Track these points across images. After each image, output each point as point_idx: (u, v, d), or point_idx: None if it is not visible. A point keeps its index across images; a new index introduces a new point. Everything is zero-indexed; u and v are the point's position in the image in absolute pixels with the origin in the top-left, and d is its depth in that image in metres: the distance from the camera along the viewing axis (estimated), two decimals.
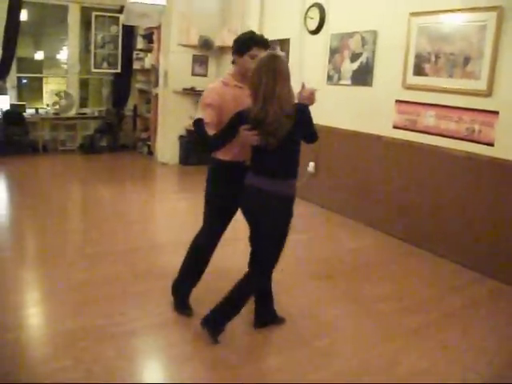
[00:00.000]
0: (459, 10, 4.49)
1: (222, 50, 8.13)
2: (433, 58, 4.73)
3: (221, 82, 3.19)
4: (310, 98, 2.98)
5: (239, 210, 3.11)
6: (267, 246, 3.00)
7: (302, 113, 2.88)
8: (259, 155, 2.94)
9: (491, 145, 4.31)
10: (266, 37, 3.20)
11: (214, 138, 2.96)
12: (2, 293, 3.60)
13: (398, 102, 5.12)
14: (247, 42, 3.09)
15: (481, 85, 4.34)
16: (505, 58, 4.19)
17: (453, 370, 2.93)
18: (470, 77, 4.42)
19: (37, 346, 2.99)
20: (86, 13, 9.30)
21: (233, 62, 3.19)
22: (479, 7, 4.32)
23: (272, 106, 2.74)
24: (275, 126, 2.76)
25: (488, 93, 4.30)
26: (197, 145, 3.20)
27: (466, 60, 4.44)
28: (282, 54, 3.01)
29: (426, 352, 3.11)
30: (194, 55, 8.18)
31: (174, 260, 3.57)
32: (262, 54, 2.94)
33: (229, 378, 2.73)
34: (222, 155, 3.13)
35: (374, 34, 5.35)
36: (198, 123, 3.02)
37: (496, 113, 4.27)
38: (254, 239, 3.15)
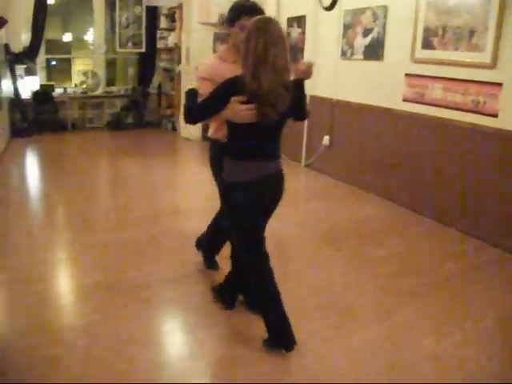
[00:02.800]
0: None
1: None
2: (440, 32, 4.83)
3: (217, 57, 3.01)
4: (308, 71, 2.70)
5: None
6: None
7: (300, 87, 2.65)
8: (250, 134, 2.57)
9: (495, 116, 4.43)
10: (259, 5, 2.91)
11: (198, 107, 2.59)
12: (34, 250, 4.04)
13: (408, 75, 5.24)
14: (236, 11, 2.86)
15: (485, 57, 4.43)
16: (508, 31, 4.27)
17: (438, 327, 3.15)
18: (475, 49, 4.52)
19: (62, 295, 3.41)
20: None
21: (228, 35, 2.98)
22: None
23: (265, 73, 2.41)
24: (273, 96, 2.44)
25: (492, 65, 4.39)
26: (183, 115, 2.73)
27: (471, 33, 4.54)
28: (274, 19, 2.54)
29: (413, 309, 3.33)
30: (214, 33, 8.37)
31: (188, 224, 3.94)
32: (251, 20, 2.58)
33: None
34: (221, 136, 2.94)
35: (385, 8, 5.45)
36: (190, 92, 2.68)
37: (500, 84, 4.36)
38: (262, 222, 2.83)
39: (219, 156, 2.93)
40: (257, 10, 2.81)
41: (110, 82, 10.36)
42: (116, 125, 9.64)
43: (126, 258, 3.94)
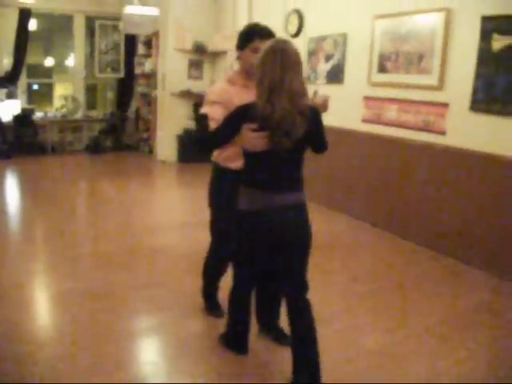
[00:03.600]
0: (413, 12, 4.96)
1: (216, 54, 8.68)
2: (393, 57, 5.20)
3: (227, 81, 2.94)
4: (324, 105, 2.73)
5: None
6: (304, 260, 2.63)
7: (317, 115, 2.51)
8: (264, 162, 2.47)
9: (443, 134, 4.77)
10: (270, 28, 2.87)
11: (211, 135, 2.57)
12: (11, 260, 4.30)
13: (365, 97, 5.60)
14: (248, 34, 2.83)
15: (433, 79, 4.80)
16: (453, 56, 4.65)
17: (388, 325, 3.41)
18: (424, 72, 4.89)
19: (39, 302, 3.64)
20: (90, 21, 9.91)
21: (237, 59, 2.94)
22: (430, 9, 4.79)
23: (280, 99, 2.31)
24: (288, 123, 2.33)
25: (439, 87, 4.76)
26: (194, 144, 2.80)
27: (420, 57, 4.91)
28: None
29: (364, 311, 3.60)
30: (189, 59, 8.72)
31: (160, 240, 4.23)
32: (265, 43, 2.52)
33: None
34: (227, 163, 2.91)
35: (344, 36, 5.83)
36: (201, 118, 2.68)
37: (446, 105, 4.72)
38: (282, 264, 2.63)
39: (216, 180, 3.06)
40: (269, 33, 2.81)
41: (90, 106, 10.65)
42: (95, 148, 9.87)
43: (99, 268, 4.19)
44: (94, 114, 10.41)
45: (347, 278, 4.18)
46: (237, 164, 2.77)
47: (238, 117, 2.44)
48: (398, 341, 3.20)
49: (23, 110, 9.24)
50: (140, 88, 10.32)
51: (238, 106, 2.47)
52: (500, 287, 4.10)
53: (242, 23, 7.60)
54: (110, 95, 10.90)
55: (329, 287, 3.95)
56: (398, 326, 3.39)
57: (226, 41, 8.17)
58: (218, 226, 3.18)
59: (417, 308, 3.67)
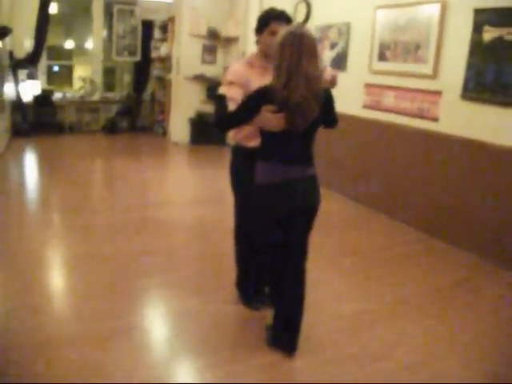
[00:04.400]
0: (412, 3, 5.18)
1: (229, 40, 8.95)
2: (392, 46, 5.44)
3: (245, 62, 3.04)
4: (333, 81, 2.85)
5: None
6: (309, 233, 2.85)
7: (329, 96, 2.70)
8: (280, 141, 2.63)
9: (436, 120, 5.01)
10: (285, 12, 2.99)
11: (230, 116, 2.66)
12: (32, 229, 4.67)
13: (366, 84, 5.85)
14: (265, 18, 2.93)
15: (428, 68, 5.03)
16: (447, 46, 4.88)
17: (366, 295, 3.71)
18: (420, 61, 5.12)
19: (49, 261, 4.00)
20: (108, 6, 10.22)
21: (256, 42, 3.04)
22: (427, 0, 5.01)
23: (297, 83, 2.45)
24: (303, 107, 2.48)
25: (434, 75, 4.99)
26: (214, 123, 2.78)
27: (417, 47, 5.14)
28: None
29: (345, 282, 3.90)
30: (203, 45, 9.00)
31: (168, 213, 4.97)
32: (282, 27, 2.73)
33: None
34: (245, 141, 3.00)
35: (348, 25, 6.07)
36: (220, 98, 2.75)
37: (440, 93, 4.96)
38: (294, 235, 2.80)
39: (239, 162, 3.08)
40: (285, 17, 2.93)
41: (108, 87, 10.99)
42: (111, 128, 10.22)
43: (109, 236, 4.61)
44: (111, 95, 10.75)
45: (335, 253, 4.48)
46: (253, 143, 2.89)
47: (258, 99, 2.54)
48: (373, 309, 3.50)
49: (43, 90, 9.61)
50: (156, 71, 10.63)
51: (258, 88, 2.58)
52: (480, 266, 4.37)
53: (253, 10, 7.87)
54: (127, 78, 11.24)
55: (317, 260, 4.18)
56: (375, 296, 3.69)
57: (239, 27, 8.44)
58: (243, 205, 3.15)
59: (396, 282, 3.96)
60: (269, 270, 2.91)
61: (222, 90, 2.82)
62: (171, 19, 9.17)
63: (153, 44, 10.45)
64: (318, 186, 2.80)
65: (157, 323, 3.20)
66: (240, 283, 3.40)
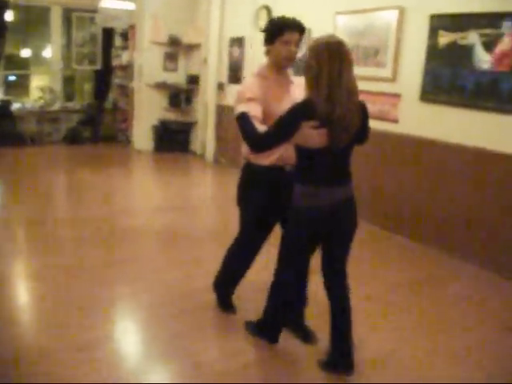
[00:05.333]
0: (371, 9, 5.35)
1: (190, 46, 8.98)
2: (353, 51, 5.57)
3: (257, 75, 2.87)
4: None
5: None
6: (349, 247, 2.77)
7: (366, 109, 2.60)
8: (321, 159, 2.49)
9: (396, 122, 5.17)
10: (298, 20, 2.84)
11: (267, 135, 2.49)
12: None
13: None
14: (278, 27, 2.76)
15: (387, 72, 5.20)
16: (405, 50, 5.06)
17: None
18: (379, 65, 5.29)
19: (17, 274, 3.96)
20: (67, 13, 10.11)
21: (266, 54, 2.89)
22: (385, 6, 5.19)
23: (339, 96, 2.35)
24: (348, 119, 2.38)
25: (393, 79, 5.16)
26: (249, 145, 2.61)
27: (376, 52, 5.31)
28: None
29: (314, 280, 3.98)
30: (165, 52, 9.01)
31: (135, 221, 5.05)
32: (295, 37, 2.72)
33: None
34: (260, 159, 2.80)
35: (309, 31, 6.16)
36: (243, 117, 2.58)
37: (399, 95, 5.13)
38: (334, 252, 2.75)
39: (250, 178, 2.95)
40: (299, 25, 2.79)
41: (68, 97, 10.85)
42: (73, 139, 10.08)
43: (77, 247, 4.57)
44: (71, 105, 10.62)
45: None
46: (271, 159, 2.77)
47: (298, 115, 2.41)
48: None
49: (1, 101, 9.43)
50: (117, 79, 10.56)
51: (297, 103, 2.45)
52: (446, 263, 4.56)
53: (214, 17, 7.94)
54: (88, 87, 11.11)
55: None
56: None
57: (200, 34, 8.49)
58: (253, 226, 3.05)
59: (364, 279, 4.07)
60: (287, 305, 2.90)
61: (242, 108, 2.62)
62: (132, 27, 9.15)
63: (114, 52, 10.38)
64: (355, 205, 2.68)
65: (128, 332, 3.23)
66: (221, 284, 3.35)
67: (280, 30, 2.73)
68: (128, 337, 3.17)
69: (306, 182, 2.54)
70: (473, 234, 4.50)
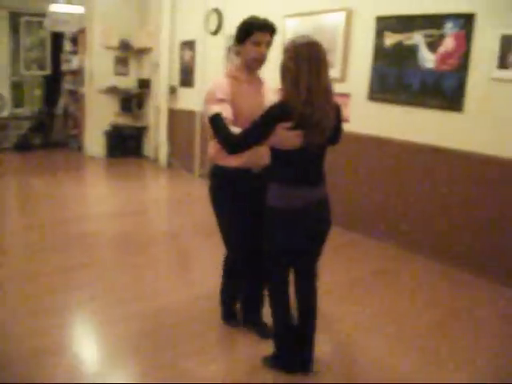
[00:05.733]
0: (319, 12, 5.46)
1: (141, 50, 8.93)
2: None
3: (230, 76, 2.80)
4: None
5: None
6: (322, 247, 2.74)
7: (340, 110, 2.60)
8: (296, 160, 2.47)
9: (347, 121, 5.28)
10: (268, 20, 2.78)
11: (243, 136, 2.44)
12: None
13: (279, 90, 6.05)
14: (248, 27, 2.72)
15: (336, 72, 5.30)
16: (353, 50, 5.18)
17: None
18: (329, 66, 5.37)
19: None
20: (14, 18, 9.90)
21: (237, 54, 2.85)
22: (333, 9, 5.30)
23: (318, 98, 2.33)
24: (324, 122, 2.38)
25: (342, 79, 5.27)
26: (223, 147, 2.53)
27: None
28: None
29: None
30: (115, 56, 8.93)
31: (89, 227, 5.02)
32: (266, 38, 2.69)
33: None
34: (228, 160, 2.72)
35: None
36: (217, 118, 2.52)
37: (349, 95, 5.24)
38: (310, 255, 2.71)
39: (219, 181, 2.86)
40: (269, 26, 2.74)
41: (17, 103, 10.59)
42: (23, 145, 9.86)
43: (32, 254, 4.48)
44: (21, 111, 10.38)
45: None
46: (238, 161, 2.71)
47: (274, 117, 2.37)
48: None
49: None
50: (67, 85, 10.38)
51: (273, 104, 2.42)
52: (399, 256, 4.69)
53: (165, 21, 7.93)
54: (37, 92, 10.88)
55: None
56: None
57: (151, 38, 8.46)
58: (232, 232, 2.94)
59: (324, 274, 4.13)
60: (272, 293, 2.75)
61: (215, 109, 2.56)
62: (82, 31, 9.02)
63: (63, 57, 10.21)
64: (330, 208, 2.66)
65: (87, 335, 3.19)
66: (224, 298, 3.24)
67: (250, 30, 2.70)
68: (87, 340, 3.14)
69: (281, 182, 2.51)
70: (424, 227, 4.64)
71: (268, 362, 2.79)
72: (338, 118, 2.56)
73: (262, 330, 3.11)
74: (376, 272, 4.30)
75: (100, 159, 9.12)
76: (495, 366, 2.99)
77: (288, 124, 2.34)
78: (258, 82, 2.87)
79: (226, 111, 2.55)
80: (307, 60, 2.33)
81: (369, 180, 5.10)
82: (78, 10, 7.24)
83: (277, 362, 2.76)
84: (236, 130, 2.47)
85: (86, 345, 3.11)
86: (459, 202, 4.38)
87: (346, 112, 5.25)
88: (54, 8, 7.20)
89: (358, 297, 3.80)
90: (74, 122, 10.25)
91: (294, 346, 2.72)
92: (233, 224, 2.88)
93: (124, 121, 9.07)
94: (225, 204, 2.86)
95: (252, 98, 2.73)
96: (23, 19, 9.86)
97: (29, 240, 4.85)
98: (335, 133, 2.57)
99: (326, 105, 2.38)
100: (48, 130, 10.32)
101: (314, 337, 2.74)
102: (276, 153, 2.51)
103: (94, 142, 9.17)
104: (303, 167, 2.49)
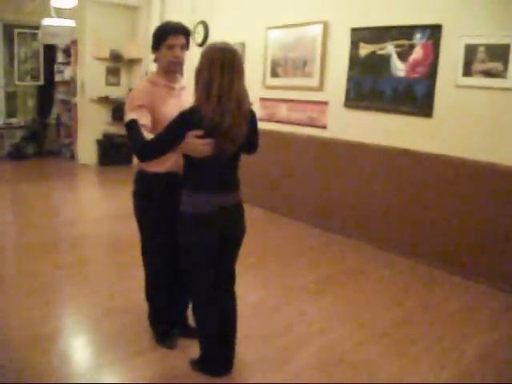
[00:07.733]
0: (298, 24, 5.73)
1: (132, 61, 9.20)
2: (283, 63, 5.95)
3: (148, 81, 2.81)
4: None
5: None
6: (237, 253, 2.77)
7: (254, 117, 2.56)
8: (208, 167, 2.44)
9: (325, 128, 5.53)
10: (182, 23, 2.79)
11: (152, 144, 2.40)
12: None
13: (261, 99, 6.31)
14: (161, 32, 2.71)
15: (315, 82, 5.57)
16: (330, 60, 5.45)
17: (265, 284, 4.12)
18: (308, 76, 5.65)
19: None
20: (8, 29, 10.15)
21: (154, 61, 2.84)
22: (311, 21, 5.57)
23: (229, 106, 2.29)
24: (235, 130, 2.34)
25: (320, 87, 5.53)
26: (135, 153, 2.52)
27: (304, 63, 5.68)
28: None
29: (251, 276, 4.26)
30: (107, 67, 9.18)
31: (81, 230, 5.22)
32: (180, 41, 2.67)
33: None
34: (156, 166, 2.69)
35: (243, 45, 6.53)
36: (132, 125, 2.46)
37: (326, 103, 5.50)
38: (225, 258, 2.71)
39: (144, 188, 2.83)
40: (183, 29, 2.75)
41: (10, 113, 10.82)
42: (16, 155, 10.06)
43: (25, 255, 4.67)
44: (14, 121, 10.61)
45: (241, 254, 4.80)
46: (166, 166, 2.70)
47: (184, 124, 2.34)
48: (273, 294, 3.90)
49: None
50: (60, 95, 10.62)
51: (182, 111, 2.38)
52: (373, 254, 4.93)
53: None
54: (31, 102, 11.12)
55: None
56: (274, 285, 4.09)
57: (141, 49, 8.71)
58: (154, 241, 2.90)
59: (294, 272, 4.37)
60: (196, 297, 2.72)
61: (131, 116, 2.52)
62: (74, 42, 9.28)
63: (56, 67, 10.46)
64: (244, 212, 2.67)
65: (71, 329, 3.35)
66: (152, 321, 3.15)
67: (163, 35, 2.69)
68: (71, 333, 3.30)
69: (193, 189, 2.49)
70: (392, 227, 4.88)
71: (195, 365, 2.79)
72: (253, 125, 2.53)
73: (187, 331, 3.14)
74: (350, 270, 4.52)
75: (92, 167, 9.34)
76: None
77: (199, 132, 2.32)
78: (178, 87, 2.83)
79: (143, 118, 2.53)
80: (220, 67, 2.29)
81: (343, 182, 5.34)
82: (69, 23, 7.48)
83: (202, 364, 2.77)
84: (150, 137, 2.43)
85: (77, 334, 3.28)
86: (427, 201, 4.62)
87: (325, 119, 5.51)
88: (46, 22, 7.44)
89: (328, 289, 4.02)
90: (67, 131, 10.46)
91: (218, 347, 2.73)
92: (156, 229, 2.84)
93: (115, 130, 9.29)
94: (149, 209, 2.82)
95: (170, 103, 2.69)
96: (17, 31, 10.11)
97: (21, 242, 5.03)
98: (251, 140, 2.56)
99: (238, 113, 2.33)
100: (41, 139, 10.53)
101: (235, 336, 2.78)
102: (188, 159, 2.48)
103: (87, 150, 9.40)
104: (215, 174, 2.47)
